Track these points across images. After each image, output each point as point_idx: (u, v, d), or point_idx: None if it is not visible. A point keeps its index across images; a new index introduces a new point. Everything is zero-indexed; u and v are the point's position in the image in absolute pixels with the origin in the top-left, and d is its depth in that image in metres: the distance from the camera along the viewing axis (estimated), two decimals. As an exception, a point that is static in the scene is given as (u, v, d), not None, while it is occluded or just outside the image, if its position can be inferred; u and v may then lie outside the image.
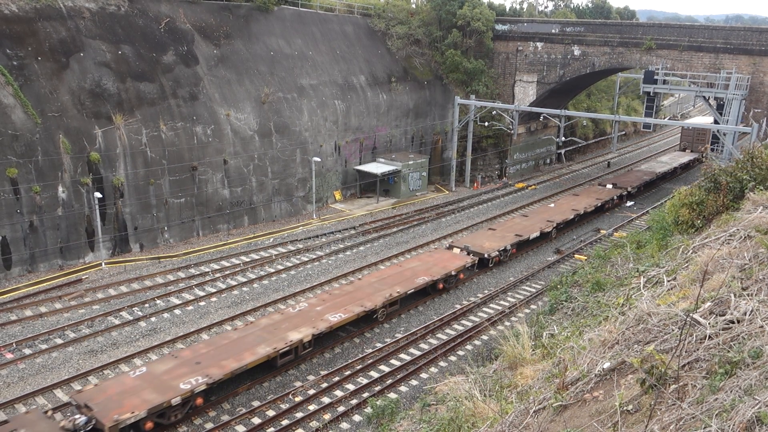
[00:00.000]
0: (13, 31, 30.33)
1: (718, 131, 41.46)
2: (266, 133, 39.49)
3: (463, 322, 28.10)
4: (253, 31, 41.46)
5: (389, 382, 22.78)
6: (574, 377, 8.40)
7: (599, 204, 43.65)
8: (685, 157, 61.79)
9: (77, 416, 17.69)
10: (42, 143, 29.71)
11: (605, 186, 48.05)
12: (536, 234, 36.76)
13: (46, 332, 24.96)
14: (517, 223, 38.67)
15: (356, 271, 32.83)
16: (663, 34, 45.69)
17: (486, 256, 32.81)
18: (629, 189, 47.76)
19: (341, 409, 21.12)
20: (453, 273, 30.29)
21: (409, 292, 27.87)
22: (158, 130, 34.18)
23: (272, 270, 32.58)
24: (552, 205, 43.10)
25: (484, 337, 26.01)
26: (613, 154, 66.00)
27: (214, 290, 29.85)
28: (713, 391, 6.33)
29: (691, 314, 7.95)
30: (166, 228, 35.13)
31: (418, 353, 25.08)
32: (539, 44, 51.55)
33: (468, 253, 32.64)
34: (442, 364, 24.21)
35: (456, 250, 33.06)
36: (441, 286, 29.94)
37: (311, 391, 22.04)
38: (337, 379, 22.86)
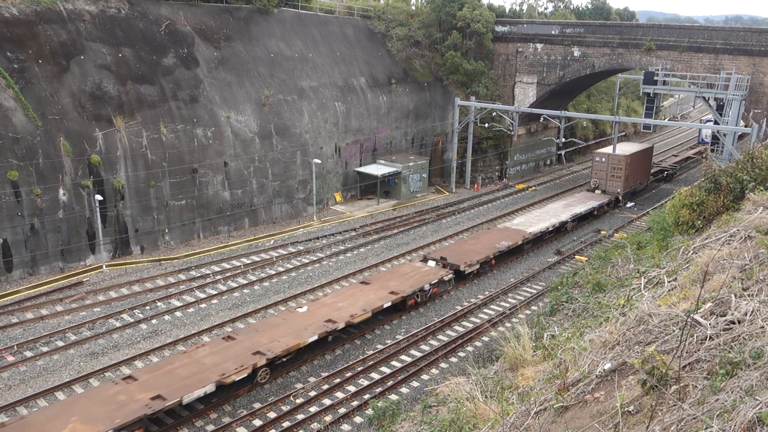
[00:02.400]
0: (14, 34, 30.38)
1: (718, 132, 41.52)
2: (266, 135, 39.51)
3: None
4: (253, 34, 41.49)
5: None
6: (575, 378, 8.41)
7: (390, 303, 26.77)
8: (590, 203, 43.39)
9: None
10: (43, 146, 29.74)
11: (427, 262, 31.51)
12: (207, 389, 19.96)
13: (47, 335, 25.00)
14: (183, 364, 21.07)
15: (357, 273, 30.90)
16: (663, 35, 45.73)
17: None
18: (462, 267, 30.93)
19: (342, 410, 21.15)
20: None
21: None
22: (159, 133, 34.21)
23: (273, 272, 32.60)
24: (303, 309, 25.87)
25: (485, 339, 26.03)
26: (613, 154, 65.93)
27: (215, 292, 29.88)
28: (714, 391, 6.33)
29: (691, 315, 7.96)
30: (166, 230, 35.15)
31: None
32: (539, 45, 51.59)
33: None
34: (443, 365, 24.21)
35: None
36: None
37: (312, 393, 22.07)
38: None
